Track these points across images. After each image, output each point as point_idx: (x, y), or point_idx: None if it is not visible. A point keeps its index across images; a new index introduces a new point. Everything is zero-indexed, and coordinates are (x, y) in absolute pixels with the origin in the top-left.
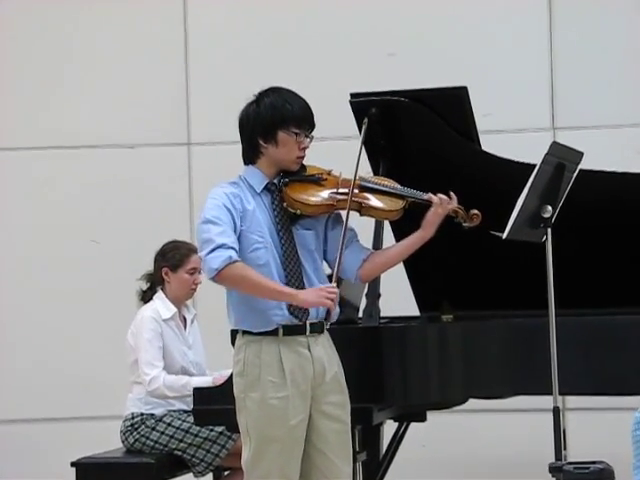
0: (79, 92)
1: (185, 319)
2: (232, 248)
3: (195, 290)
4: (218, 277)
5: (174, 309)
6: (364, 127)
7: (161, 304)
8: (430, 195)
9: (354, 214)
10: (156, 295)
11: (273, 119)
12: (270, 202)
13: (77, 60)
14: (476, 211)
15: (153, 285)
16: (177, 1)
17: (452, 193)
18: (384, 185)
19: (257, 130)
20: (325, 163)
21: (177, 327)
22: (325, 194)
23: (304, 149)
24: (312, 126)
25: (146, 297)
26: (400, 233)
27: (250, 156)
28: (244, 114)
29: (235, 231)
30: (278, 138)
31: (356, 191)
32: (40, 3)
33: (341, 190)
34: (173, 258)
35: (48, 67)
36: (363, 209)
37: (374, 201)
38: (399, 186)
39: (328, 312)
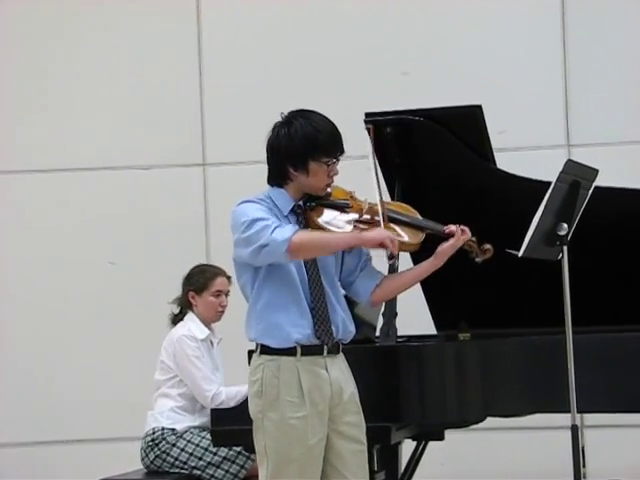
0: (94, 113)
1: (212, 342)
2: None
3: (222, 312)
4: (291, 245)
5: (207, 331)
6: (372, 154)
7: (194, 326)
8: (450, 228)
9: None
10: (187, 317)
11: (305, 150)
12: (295, 224)
13: (91, 80)
14: (489, 245)
15: (183, 309)
16: (191, 19)
17: (465, 227)
18: (406, 216)
19: (288, 159)
20: (341, 182)
21: (208, 349)
22: (350, 223)
23: (333, 176)
24: (342, 151)
25: (176, 320)
26: (415, 258)
27: (277, 180)
28: (274, 139)
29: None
30: (309, 168)
31: (379, 219)
32: (51, 13)
33: (365, 217)
34: (198, 282)
35: (60, 86)
36: None
37: (397, 233)
38: (419, 217)
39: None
